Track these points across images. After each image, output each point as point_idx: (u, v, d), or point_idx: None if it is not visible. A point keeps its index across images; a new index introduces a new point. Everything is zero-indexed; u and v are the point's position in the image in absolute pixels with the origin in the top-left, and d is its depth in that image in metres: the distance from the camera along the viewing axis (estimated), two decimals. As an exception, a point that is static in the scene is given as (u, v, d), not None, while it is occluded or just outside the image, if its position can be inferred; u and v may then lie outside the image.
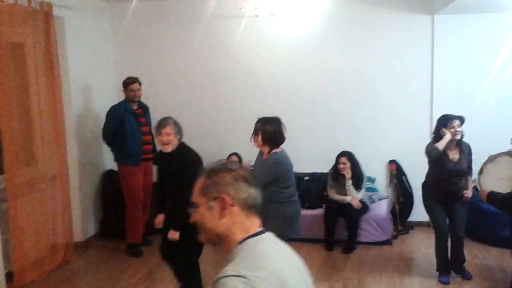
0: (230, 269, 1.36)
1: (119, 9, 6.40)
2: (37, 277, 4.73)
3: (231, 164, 1.55)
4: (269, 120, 3.75)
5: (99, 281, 4.73)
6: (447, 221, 4.54)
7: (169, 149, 3.76)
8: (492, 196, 3.72)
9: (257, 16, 6.14)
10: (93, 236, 5.93)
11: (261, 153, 3.90)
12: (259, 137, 3.72)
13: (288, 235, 3.52)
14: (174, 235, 3.68)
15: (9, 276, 4.47)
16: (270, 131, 3.69)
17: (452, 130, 4.37)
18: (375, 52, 6.09)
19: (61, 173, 5.21)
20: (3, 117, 4.35)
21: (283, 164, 3.76)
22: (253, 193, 1.52)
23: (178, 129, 3.82)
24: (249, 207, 1.51)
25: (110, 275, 4.90)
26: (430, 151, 4.36)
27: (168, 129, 3.73)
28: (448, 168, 4.37)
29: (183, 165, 3.70)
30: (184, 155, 3.79)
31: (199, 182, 1.54)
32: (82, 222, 5.69)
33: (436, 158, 4.35)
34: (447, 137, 4.35)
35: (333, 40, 6.16)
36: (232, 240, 1.50)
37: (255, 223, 1.53)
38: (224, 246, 1.53)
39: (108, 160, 6.01)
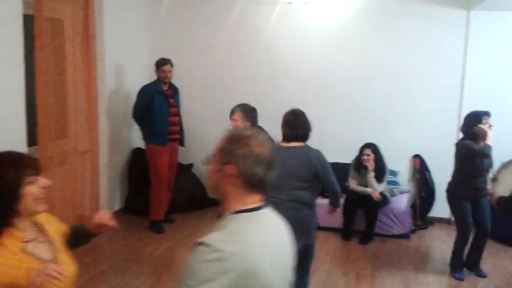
0: (214, 238, 1.41)
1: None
2: (63, 245, 4.95)
3: (253, 139, 1.55)
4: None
5: (120, 254, 4.93)
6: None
7: None
8: (500, 201, 3.72)
9: (291, 3, 6.20)
10: (118, 211, 6.15)
11: None
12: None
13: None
14: None
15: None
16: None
17: (486, 125, 4.36)
18: (407, 44, 6.07)
19: (91, 148, 5.42)
20: (40, 91, 4.53)
21: None
22: (260, 172, 1.52)
23: (246, 116, 4.18)
24: (253, 185, 1.53)
25: (131, 249, 5.10)
26: (484, 150, 4.26)
27: (236, 115, 4.19)
28: (485, 165, 4.35)
29: None
30: None
31: (221, 141, 1.59)
32: (108, 197, 5.91)
33: (488, 155, 4.29)
34: (490, 133, 4.31)
35: (364, 30, 6.15)
36: (229, 206, 1.55)
37: (255, 199, 1.55)
38: (224, 205, 1.58)
39: (137, 138, 6.19)
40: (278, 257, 1.53)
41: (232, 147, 1.54)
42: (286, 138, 3.49)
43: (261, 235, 1.48)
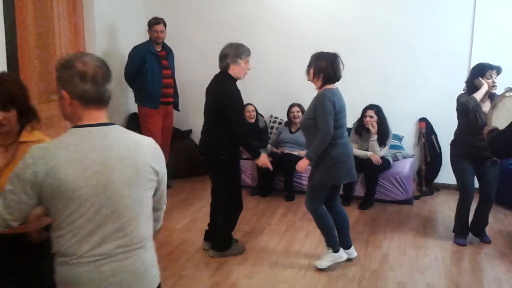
0: (35, 146, 1.65)
1: None
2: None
3: (77, 59, 1.65)
4: (322, 54, 3.66)
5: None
6: (475, 183, 4.30)
7: None
8: (492, 132, 2.82)
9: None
10: (115, 176, 6.04)
11: None
12: (311, 71, 3.65)
13: (336, 180, 3.63)
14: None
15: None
16: (321, 65, 3.60)
17: (490, 80, 4.05)
18: (412, 1, 5.75)
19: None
20: (22, 55, 4.39)
21: (332, 100, 3.60)
22: (89, 89, 1.66)
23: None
24: (87, 102, 1.67)
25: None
26: (467, 102, 4.01)
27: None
28: (480, 122, 4.00)
29: None
30: None
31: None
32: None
33: (471, 109, 4.02)
34: (485, 87, 4.02)
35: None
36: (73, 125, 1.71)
37: (92, 116, 1.69)
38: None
39: (133, 103, 6.03)
40: (93, 170, 1.63)
41: (59, 74, 1.67)
42: (333, 80, 3.71)
43: (73, 146, 1.63)
